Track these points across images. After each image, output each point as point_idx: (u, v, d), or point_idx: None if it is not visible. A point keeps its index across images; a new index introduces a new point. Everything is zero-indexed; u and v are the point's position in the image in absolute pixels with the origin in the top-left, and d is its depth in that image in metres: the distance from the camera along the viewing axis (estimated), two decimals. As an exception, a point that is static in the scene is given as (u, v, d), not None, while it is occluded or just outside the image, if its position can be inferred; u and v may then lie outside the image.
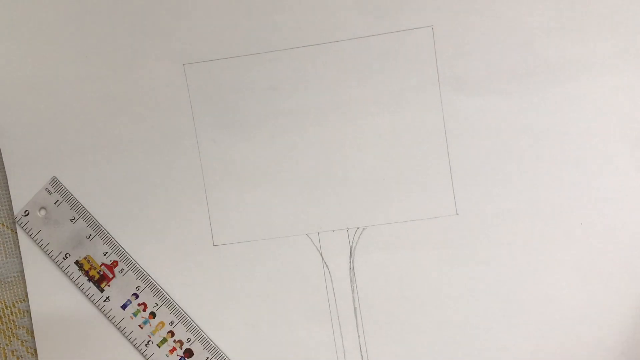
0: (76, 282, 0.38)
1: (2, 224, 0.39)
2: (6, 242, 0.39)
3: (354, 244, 0.38)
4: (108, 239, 0.38)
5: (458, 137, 0.37)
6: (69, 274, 0.38)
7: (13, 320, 0.39)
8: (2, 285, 0.38)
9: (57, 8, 0.38)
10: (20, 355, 0.38)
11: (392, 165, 0.37)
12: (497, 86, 0.37)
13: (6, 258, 0.39)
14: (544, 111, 0.37)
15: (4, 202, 0.38)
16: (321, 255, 0.38)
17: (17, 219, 0.38)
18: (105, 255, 0.38)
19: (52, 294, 0.38)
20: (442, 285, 0.37)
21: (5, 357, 0.38)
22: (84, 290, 0.38)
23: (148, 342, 0.38)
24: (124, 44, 0.38)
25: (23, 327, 0.39)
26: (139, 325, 0.38)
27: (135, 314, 0.38)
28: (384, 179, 0.37)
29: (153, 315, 0.38)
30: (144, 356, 0.38)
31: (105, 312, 0.38)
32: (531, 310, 0.37)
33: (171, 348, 0.38)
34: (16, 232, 0.38)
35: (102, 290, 0.38)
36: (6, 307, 0.38)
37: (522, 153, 0.37)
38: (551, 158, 0.37)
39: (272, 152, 0.38)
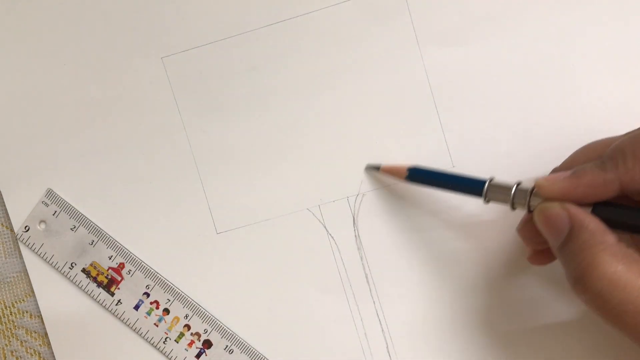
0: (86, 290, 0.38)
1: (2, 224, 0.39)
2: (6, 242, 0.39)
3: (356, 212, 0.38)
4: (111, 243, 0.38)
5: (444, 90, 0.37)
6: (77, 282, 0.38)
7: (12, 321, 0.38)
8: (2, 286, 0.38)
9: (32, 20, 0.38)
10: (20, 356, 0.38)
11: (383, 128, 0.37)
12: (474, 33, 0.37)
13: (6, 258, 0.38)
14: (525, 51, 0.37)
15: (4, 202, 0.38)
16: (325, 227, 0.38)
17: (18, 236, 0.38)
18: (110, 259, 0.38)
19: (63, 305, 0.38)
20: (448, 238, 0.37)
21: (5, 357, 0.38)
22: (95, 297, 0.38)
23: (165, 339, 0.38)
24: (100, 47, 0.38)
25: (22, 327, 0.38)
26: (154, 324, 0.38)
27: (148, 313, 0.38)
28: (376, 143, 0.37)
29: (167, 311, 0.38)
30: (164, 354, 0.38)
31: (118, 316, 0.38)
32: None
33: (189, 342, 0.38)
34: (16, 232, 0.38)
35: (112, 294, 0.38)
36: (6, 307, 0.38)
37: (510, 95, 0.37)
38: (539, 96, 0.37)
39: (261, 132, 0.38)
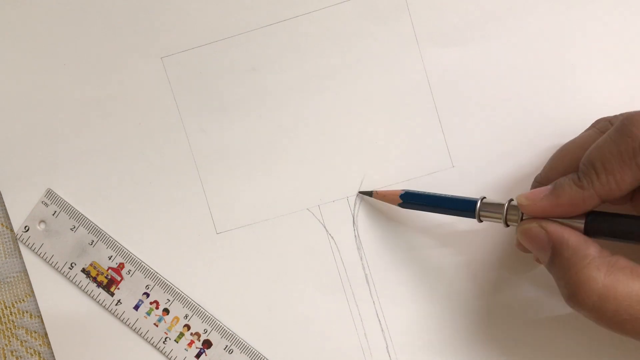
0: (85, 290, 0.38)
1: (2, 224, 0.39)
2: (6, 242, 0.39)
3: (356, 212, 0.38)
4: (111, 243, 0.38)
5: (444, 90, 0.37)
6: (77, 283, 0.38)
7: (12, 321, 0.38)
8: (2, 286, 0.38)
9: (32, 20, 0.38)
10: (20, 356, 0.38)
11: (383, 128, 0.37)
12: (474, 33, 0.37)
13: (6, 258, 0.38)
14: (525, 51, 0.37)
15: (3, 202, 0.38)
16: (325, 227, 0.38)
17: (18, 236, 0.38)
18: (110, 259, 0.38)
19: (63, 305, 0.38)
20: (447, 237, 0.37)
21: (5, 357, 0.38)
22: (95, 297, 0.38)
23: (165, 339, 0.38)
24: (100, 47, 0.38)
25: (22, 327, 0.38)
26: (154, 324, 0.38)
27: (148, 313, 0.38)
28: (376, 143, 0.37)
29: (166, 311, 0.38)
30: (164, 354, 0.38)
31: (118, 316, 0.38)
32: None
33: (189, 342, 0.38)
34: (15, 232, 0.38)
35: (112, 295, 0.38)
36: (6, 308, 0.38)
37: (510, 95, 0.37)
38: (539, 96, 0.37)
39: (261, 132, 0.38)
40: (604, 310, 0.28)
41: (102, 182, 0.38)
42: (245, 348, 0.38)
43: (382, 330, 0.37)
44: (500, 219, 0.32)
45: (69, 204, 0.38)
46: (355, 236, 0.38)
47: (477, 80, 0.37)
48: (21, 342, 0.38)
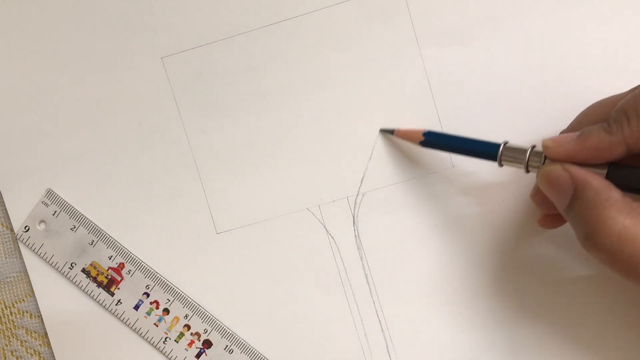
0: (86, 290, 0.38)
1: (2, 224, 0.39)
2: (6, 242, 0.39)
3: (356, 212, 0.38)
4: (111, 243, 0.38)
5: (444, 90, 0.37)
6: (77, 282, 0.38)
7: (13, 321, 0.38)
8: (2, 285, 0.38)
9: (32, 20, 0.38)
10: (20, 356, 0.38)
11: (383, 128, 0.37)
12: (474, 33, 0.37)
13: (6, 258, 0.38)
14: (525, 51, 0.37)
15: (3, 202, 0.38)
16: (325, 227, 0.38)
17: (18, 236, 0.38)
18: (110, 259, 0.38)
19: (63, 305, 0.38)
20: (447, 236, 0.37)
21: (5, 357, 0.38)
22: (95, 297, 0.38)
23: (165, 339, 0.38)
24: (100, 47, 0.38)
25: (23, 327, 0.38)
26: (154, 324, 0.38)
27: (148, 313, 0.38)
28: (376, 143, 0.37)
29: (167, 311, 0.38)
30: (164, 354, 0.38)
31: (118, 316, 0.38)
32: (536, 252, 0.37)
33: (189, 341, 0.38)
34: (15, 232, 0.38)
35: (112, 295, 0.38)
36: (6, 307, 0.38)
37: (510, 95, 0.37)
38: (539, 96, 0.37)
39: (261, 132, 0.38)
40: (621, 252, 0.27)
41: (102, 182, 0.38)
42: (245, 348, 0.38)
43: (382, 330, 0.37)
44: (522, 163, 0.32)
45: (69, 204, 0.38)
46: (355, 236, 0.38)
47: (478, 81, 0.37)
48: (21, 342, 0.39)
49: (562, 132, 0.34)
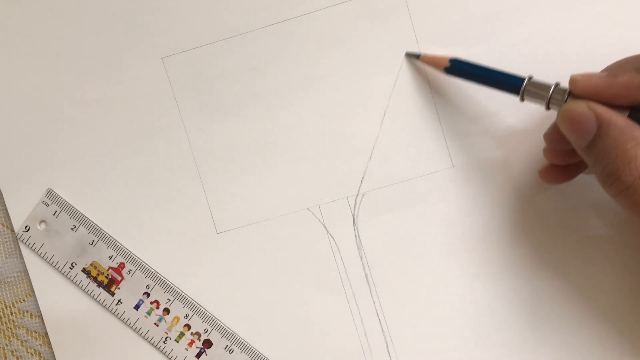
0: (86, 290, 0.38)
1: (2, 224, 0.39)
2: (6, 242, 0.39)
3: (356, 212, 0.38)
4: (111, 243, 0.38)
5: (444, 90, 0.37)
6: (77, 282, 0.38)
7: (13, 321, 0.38)
8: (2, 285, 0.38)
9: (32, 20, 0.38)
10: (21, 355, 0.38)
11: (383, 128, 0.37)
12: (474, 33, 0.37)
13: (6, 258, 0.39)
14: (525, 51, 0.37)
15: (4, 202, 0.38)
16: (325, 227, 0.38)
17: (18, 236, 0.38)
18: (110, 258, 0.38)
19: (64, 305, 0.38)
20: (447, 237, 0.37)
21: (5, 357, 0.38)
22: (95, 297, 0.38)
23: (166, 338, 0.38)
24: (100, 47, 0.38)
25: (23, 327, 0.38)
26: (155, 323, 0.38)
27: (149, 313, 0.38)
28: (376, 143, 0.37)
29: (167, 311, 0.38)
30: (164, 353, 0.38)
31: (119, 315, 0.38)
32: (535, 254, 0.37)
33: (189, 341, 0.38)
34: (16, 232, 0.38)
35: (112, 294, 0.38)
36: (6, 307, 0.38)
37: (509, 95, 0.37)
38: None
39: (261, 132, 0.38)
40: None
41: (103, 182, 0.38)
42: (245, 348, 0.38)
43: (382, 330, 0.37)
44: (543, 99, 0.32)
45: (69, 203, 0.38)
46: (355, 236, 0.38)
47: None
48: (22, 341, 0.39)
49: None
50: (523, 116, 0.37)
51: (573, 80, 0.31)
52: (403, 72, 0.37)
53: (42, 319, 0.38)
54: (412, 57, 0.37)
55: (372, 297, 0.38)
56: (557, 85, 0.32)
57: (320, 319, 0.38)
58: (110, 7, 0.38)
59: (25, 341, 0.39)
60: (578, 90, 0.31)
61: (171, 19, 0.37)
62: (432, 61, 0.36)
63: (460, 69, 0.35)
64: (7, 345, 0.39)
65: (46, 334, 0.38)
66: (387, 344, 0.37)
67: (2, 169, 0.38)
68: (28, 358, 0.39)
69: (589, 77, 0.30)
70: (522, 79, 0.33)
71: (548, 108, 0.32)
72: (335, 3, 0.37)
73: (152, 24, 0.38)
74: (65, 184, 0.38)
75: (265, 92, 0.37)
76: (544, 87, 0.32)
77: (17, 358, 0.38)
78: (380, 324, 0.38)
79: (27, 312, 0.39)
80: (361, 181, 0.37)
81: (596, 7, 0.36)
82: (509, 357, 0.37)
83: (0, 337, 0.39)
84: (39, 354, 0.39)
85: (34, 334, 0.39)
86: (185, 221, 0.38)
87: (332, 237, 0.38)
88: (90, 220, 0.38)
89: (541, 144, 0.36)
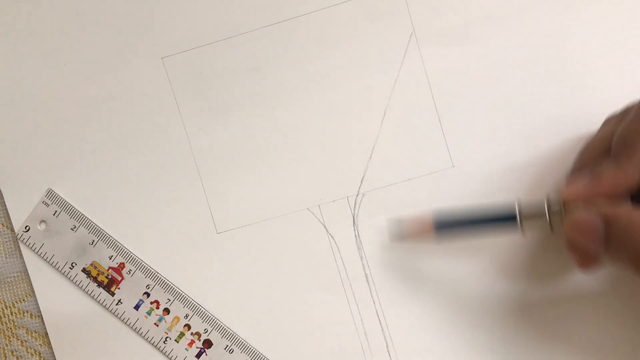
0: (86, 290, 0.38)
1: (2, 224, 0.39)
2: (6, 242, 0.39)
3: (356, 212, 0.38)
4: (111, 243, 0.38)
5: (444, 90, 0.37)
6: (77, 282, 0.38)
7: (13, 321, 0.38)
8: (2, 285, 0.38)
9: (32, 20, 0.38)
10: (21, 355, 0.38)
11: (383, 128, 0.37)
12: (474, 33, 0.37)
13: (6, 258, 0.39)
14: (525, 51, 0.37)
15: (4, 202, 0.38)
16: (325, 227, 0.38)
17: (18, 236, 0.38)
18: (111, 258, 0.38)
19: (63, 305, 0.38)
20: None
21: (5, 357, 0.38)
22: (95, 297, 0.38)
23: (166, 338, 0.38)
24: (100, 47, 0.38)
25: (23, 327, 0.38)
26: (155, 324, 0.38)
27: (149, 313, 0.38)
28: (376, 143, 0.37)
29: (167, 311, 0.38)
30: (164, 353, 0.38)
31: (119, 315, 0.38)
32: (536, 253, 0.37)
33: (189, 341, 0.38)
34: (16, 232, 0.38)
35: (112, 294, 0.38)
36: (6, 307, 0.38)
37: (510, 95, 0.37)
38: (539, 96, 0.37)
39: (261, 132, 0.38)
40: None
41: (103, 182, 0.38)
42: (245, 348, 0.38)
43: (382, 330, 0.37)
44: (544, 221, 0.32)
45: (69, 203, 0.38)
46: (355, 236, 0.38)
47: (477, 80, 0.37)
48: (21, 342, 0.39)
49: (569, 176, 0.34)
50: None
51: (564, 199, 0.31)
52: (403, 72, 0.37)
53: (42, 319, 0.38)
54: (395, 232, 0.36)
55: (372, 297, 0.38)
56: (548, 207, 0.32)
57: (320, 319, 0.38)
58: (110, 7, 0.38)
59: (25, 341, 0.39)
60: (573, 203, 0.30)
61: (171, 19, 0.37)
62: (419, 234, 0.35)
63: (448, 229, 0.34)
64: (7, 345, 0.39)
65: (46, 334, 0.38)
66: (387, 344, 0.37)
67: (2, 169, 0.38)
68: (28, 358, 0.39)
69: (575, 190, 0.30)
70: (513, 217, 0.32)
71: (552, 231, 0.32)
72: (335, 3, 0.37)
73: (152, 24, 0.38)
74: (65, 184, 0.38)
75: (265, 92, 0.38)
76: (538, 214, 0.32)
77: (17, 358, 0.39)
78: (380, 324, 0.38)
79: (27, 312, 0.39)
80: (361, 181, 0.37)
81: (596, 7, 0.36)
82: (509, 357, 0.37)
83: (0, 337, 0.39)
84: (39, 354, 0.39)
85: (34, 334, 0.39)
86: (185, 221, 0.38)
87: (332, 237, 0.38)
88: (90, 220, 0.38)
89: (541, 142, 0.36)
